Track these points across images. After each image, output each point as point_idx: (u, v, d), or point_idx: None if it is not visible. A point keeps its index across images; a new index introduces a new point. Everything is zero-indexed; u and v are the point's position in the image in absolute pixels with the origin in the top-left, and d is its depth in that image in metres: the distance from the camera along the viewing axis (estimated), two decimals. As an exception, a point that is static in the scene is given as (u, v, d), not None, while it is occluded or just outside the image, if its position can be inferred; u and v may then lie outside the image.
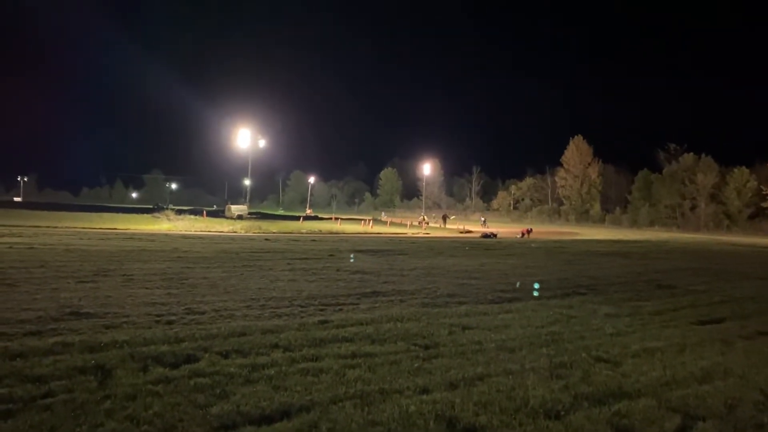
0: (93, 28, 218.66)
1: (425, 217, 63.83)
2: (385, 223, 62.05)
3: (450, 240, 38.31)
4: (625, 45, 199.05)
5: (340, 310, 10.17)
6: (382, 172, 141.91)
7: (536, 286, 13.82)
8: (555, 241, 39.23)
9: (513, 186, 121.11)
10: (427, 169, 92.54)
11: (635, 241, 44.10)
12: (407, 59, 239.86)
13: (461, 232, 50.18)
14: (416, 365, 6.79)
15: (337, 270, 16.21)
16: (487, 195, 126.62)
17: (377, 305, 10.81)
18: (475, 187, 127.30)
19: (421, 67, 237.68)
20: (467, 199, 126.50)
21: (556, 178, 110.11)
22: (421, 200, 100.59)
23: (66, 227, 31.72)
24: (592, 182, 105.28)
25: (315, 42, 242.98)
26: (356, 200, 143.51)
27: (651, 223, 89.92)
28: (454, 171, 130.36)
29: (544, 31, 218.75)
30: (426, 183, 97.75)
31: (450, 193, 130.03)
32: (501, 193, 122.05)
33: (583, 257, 26.08)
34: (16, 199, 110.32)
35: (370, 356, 7.09)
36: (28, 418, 4.72)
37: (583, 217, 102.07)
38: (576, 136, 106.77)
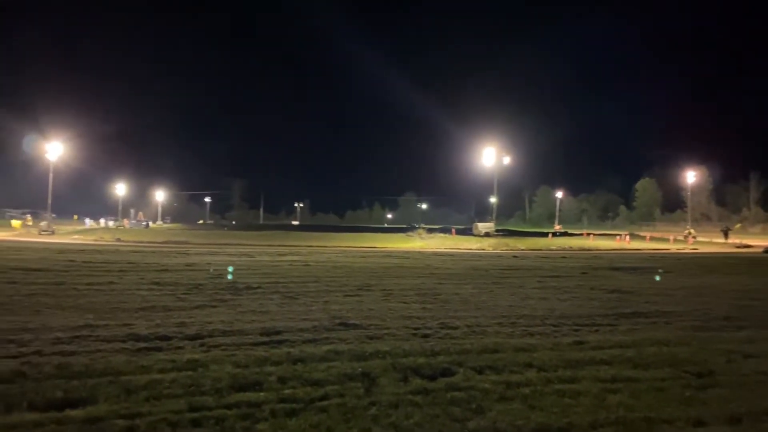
0: (350, 59, 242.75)
1: (691, 230, 57.58)
2: (644, 238, 57.48)
3: (723, 256, 33.98)
4: None
5: (597, 330, 9.63)
6: (639, 183, 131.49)
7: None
8: None
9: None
10: (691, 177, 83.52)
11: None
12: (662, 59, 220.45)
13: (737, 247, 44.17)
14: (687, 394, 6.13)
15: (591, 288, 15.43)
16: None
17: (638, 327, 10.02)
18: (754, 194, 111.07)
19: (678, 69, 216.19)
20: (744, 209, 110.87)
21: None
22: (686, 212, 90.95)
23: (333, 246, 35.34)
24: None
25: (562, 53, 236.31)
26: (609, 214, 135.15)
27: None
28: (725, 178, 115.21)
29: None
30: (691, 193, 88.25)
31: (721, 203, 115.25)
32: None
33: None
34: (293, 222, 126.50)
35: (633, 381, 6.58)
36: (308, 417, 5.29)
37: None
38: None
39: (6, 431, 4.86)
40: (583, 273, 20.03)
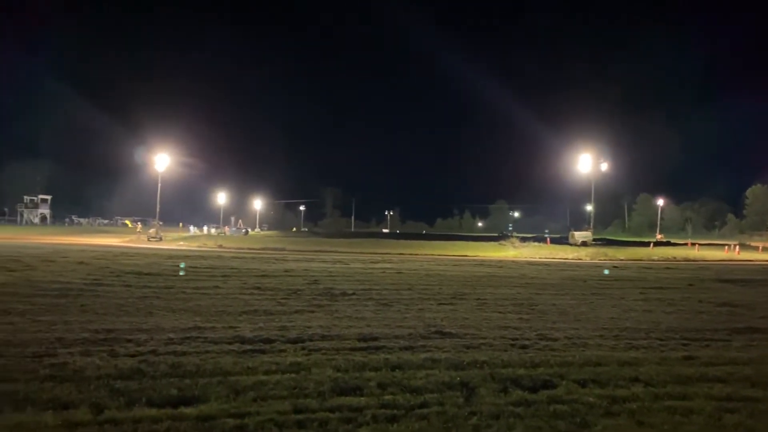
0: (444, 67, 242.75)
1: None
2: (756, 248, 53.60)
3: None
4: None
5: (707, 346, 9.11)
6: (749, 190, 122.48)
7: None
8: None
9: None
10: (810, 183, 77.10)
11: None
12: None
13: None
14: (816, 418, 5.67)
15: (699, 301, 14.60)
16: None
17: (755, 343, 9.39)
18: None
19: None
20: None
21: None
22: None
23: (425, 254, 35.33)
24: None
25: (663, 57, 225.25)
26: (716, 223, 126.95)
27: None
28: None
29: None
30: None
31: None
32: None
33: None
34: (384, 230, 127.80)
35: (751, 401, 6.19)
36: (409, 424, 5.33)
37: None
38: None
39: (128, 425, 5.20)
40: (690, 285, 18.98)
